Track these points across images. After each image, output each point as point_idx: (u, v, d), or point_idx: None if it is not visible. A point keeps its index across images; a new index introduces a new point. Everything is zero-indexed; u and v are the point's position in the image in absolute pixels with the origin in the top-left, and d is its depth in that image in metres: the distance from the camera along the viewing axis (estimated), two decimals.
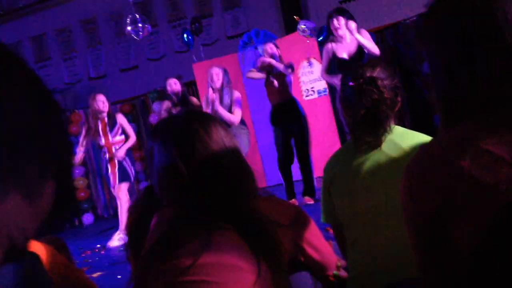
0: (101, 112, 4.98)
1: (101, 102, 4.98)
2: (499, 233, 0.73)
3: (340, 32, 4.31)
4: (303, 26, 5.61)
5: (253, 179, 1.15)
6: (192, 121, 1.12)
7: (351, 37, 4.31)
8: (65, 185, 0.48)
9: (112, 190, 5.08)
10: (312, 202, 4.66)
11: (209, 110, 4.63)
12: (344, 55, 4.33)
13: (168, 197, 1.13)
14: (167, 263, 1.03)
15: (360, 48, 4.27)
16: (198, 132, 1.09)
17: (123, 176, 4.95)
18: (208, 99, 4.71)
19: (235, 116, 4.66)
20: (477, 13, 0.81)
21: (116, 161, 4.95)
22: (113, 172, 4.96)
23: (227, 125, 4.59)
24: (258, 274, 1.00)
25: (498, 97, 0.80)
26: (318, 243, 1.23)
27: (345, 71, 1.53)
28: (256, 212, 1.06)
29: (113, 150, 4.97)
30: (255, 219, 1.06)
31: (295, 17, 5.84)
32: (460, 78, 0.83)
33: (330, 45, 4.44)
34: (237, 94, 4.78)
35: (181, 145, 1.08)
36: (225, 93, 4.70)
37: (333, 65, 4.42)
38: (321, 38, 6.37)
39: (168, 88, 5.21)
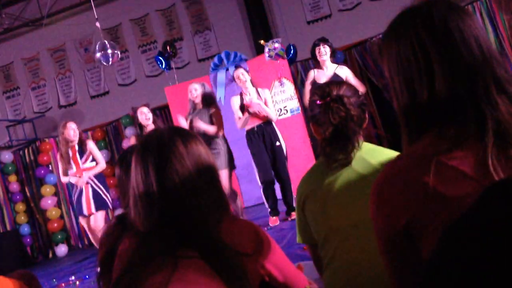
0: (71, 140, 4.91)
1: (72, 131, 4.92)
2: (459, 245, 0.74)
3: (325, 57, 4.75)
4: (271, 46, 5.72)
5: (224, 203, 1.15)
6: (174, 134, 1.12)
7: (331, 66, 4.75)
8: None
9: (81, 218, 4.98)
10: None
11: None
12: (323, 81, 4.58)
13: (138, 221, 1.11)
14: None
15: (337, 76, 4.66)
16: (179, 149, 1.09)
17: (99, 204, 4.86)
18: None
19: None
20: (436, 31, 0.84)
21: (90, 188, 4.86)
22: (87, 200, 4.85)
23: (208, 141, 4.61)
24: None
25: (457, 112, 0.82)
26: (282, 265, 1.22)
27: (313, 91, 1.55)
28: (222, 243, 1.06)
29: (84, 177, 4.89)
30: (222, 250, 1.05)
31: (260, 42, 5.94)
32: (420, 94, 0.85)
33: (312, 72, 4.83)
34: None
35: (159, 162, 1.08)
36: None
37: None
38: (290, 56, 6.47)
39: (139, 116, 4.86)
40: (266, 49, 5.80)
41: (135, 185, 1.11)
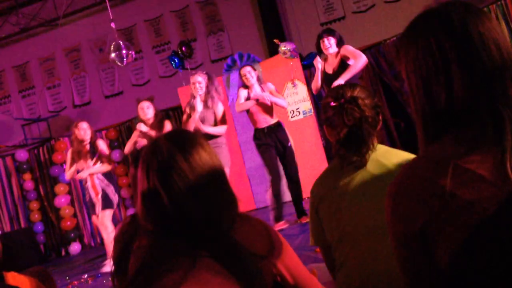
0: (82, 140, 4.92)
1: (83, 130, 4.93)
2: (478, 248, 0.74)
3: (331, 50, 4.53)
4: (283, 48, 5.67)
5: (235, 203, 1.15)
6: (173, 148, 1.11)
7: (335, 54, 4.54)
8: None
9: (94, 217, 5.00)
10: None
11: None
12: (330, 70, 4.50)
13: (149, 223, 1.12)
14: None
15: (342, 63, 4.47)
16: (177, 161, 1.08)
17: (106, 203, 4.86)
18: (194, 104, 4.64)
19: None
20: (455, 33, 0.84)
21: (99, 188, 4.89)
22: (96, 199, 4.90)
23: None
24: None
25: (475, 116, 0.81)
26: (294, 266, 1.21)
27: (327, 91, 1.55)
28: (236, 245, 1.07)
29: (94, 178, 4.90)
30: (236, 252, 1.06)
31: (274, 40, 5.90)
32: (437, 96, 0.84)
33: (322, 62, 4.64)
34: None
35: (162, 174, 1.08)
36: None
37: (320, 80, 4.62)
38: (306, 62, 6.46)
39: (140, 112, 4.82)
40: (280, 50, 5.80)
41: (142, 192, 1.11)
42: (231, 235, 1.08)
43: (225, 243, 1.07)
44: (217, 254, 1.04)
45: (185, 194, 1.06)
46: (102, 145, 4.99)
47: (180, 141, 1.14)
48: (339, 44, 4.54)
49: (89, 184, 4.92)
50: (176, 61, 7.01)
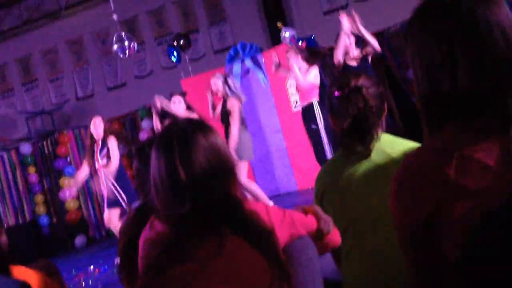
0: (94, 134, 4.84)
1: (92, 125, 4.85)
2: (484, 237, 0.73)
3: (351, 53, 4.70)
4: (283, 34, 5.73)
5: (240, 186, 1.27)
6: (194, 128, 1.19)
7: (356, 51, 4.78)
8: None
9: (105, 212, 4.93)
10: None
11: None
12: (353, 63, 4.69)
13: (164, 205, 1.17)
14: (177, 268, 1.08)
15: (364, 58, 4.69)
16: (199, 139, 1.16)
17: (110, 202, 4.76)
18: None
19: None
20: (462, 20, 0.82)
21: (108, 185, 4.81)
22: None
23: None
24: (272, 274, 1.07)
25: (481, 105, 0.79)
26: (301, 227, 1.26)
27: (332, 80, 1.55)
28: (251, 219, 1.14)
29: (102, 173, 4.81)
30: (253, 225, 1.13)
31: (278, 24, 5.91)
32: (442, 83, 0.83)
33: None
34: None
35: (183, 153, 1.14)
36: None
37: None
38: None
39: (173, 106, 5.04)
40: (281, 35, 5.84)
41: (157, 174, 1.17)
42: (245, 212, 1.15)
43: (243, 219, 1.14)
44: (239, 229, 1.11)
45: (203, 167, 1.14)
46: (112, 142, 4.84)
47: (200, 124, 1.24)
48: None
49: (100, 179, 4.84)
50: (175, 54, 6.98)
